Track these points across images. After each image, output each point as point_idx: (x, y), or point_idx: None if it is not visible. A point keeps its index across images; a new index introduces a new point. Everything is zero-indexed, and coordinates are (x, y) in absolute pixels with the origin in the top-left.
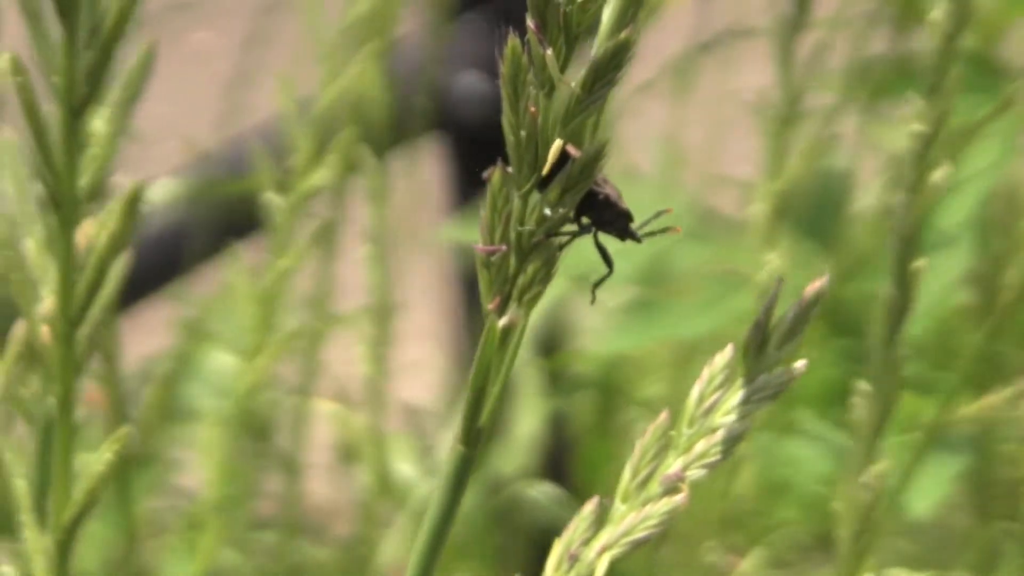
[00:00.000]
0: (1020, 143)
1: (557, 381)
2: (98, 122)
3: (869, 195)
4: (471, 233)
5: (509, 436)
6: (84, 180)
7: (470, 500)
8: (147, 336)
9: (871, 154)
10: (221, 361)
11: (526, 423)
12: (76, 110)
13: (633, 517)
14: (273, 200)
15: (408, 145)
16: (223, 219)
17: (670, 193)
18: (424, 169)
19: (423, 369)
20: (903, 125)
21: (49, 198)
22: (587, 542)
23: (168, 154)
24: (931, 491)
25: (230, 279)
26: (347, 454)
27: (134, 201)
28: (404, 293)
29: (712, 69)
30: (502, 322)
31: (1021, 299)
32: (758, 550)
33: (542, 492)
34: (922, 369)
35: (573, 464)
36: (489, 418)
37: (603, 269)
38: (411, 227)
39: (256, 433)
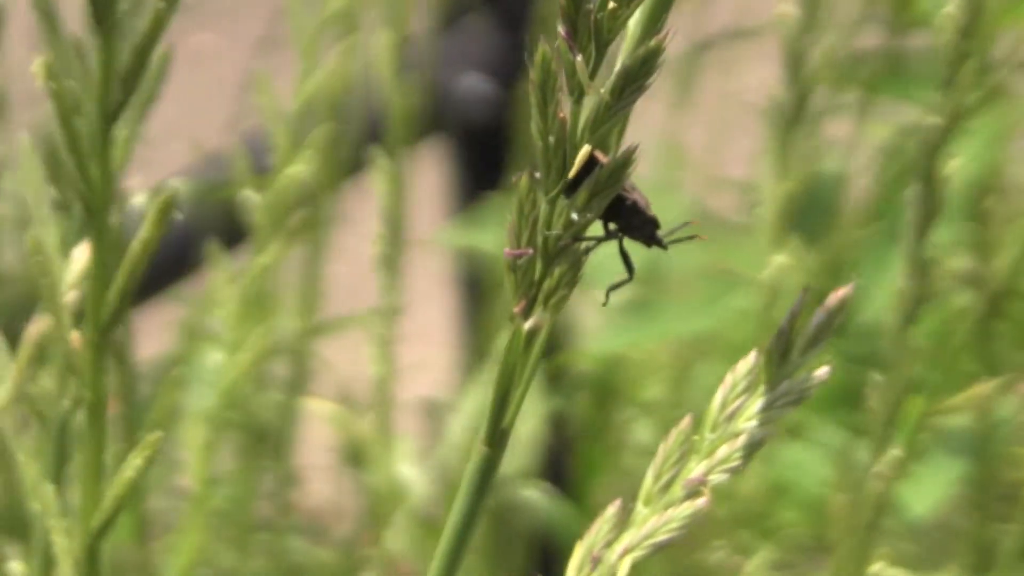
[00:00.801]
0: (1017, 144)
1: (557, 381)
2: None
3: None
4: (473, 234)
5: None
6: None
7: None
8: (149, 337)
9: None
10: (217, 360)
11: (526, 423)
12: (110, 116)
13: (655, 520)
14: (251, 198)
15: (411, 146)
16: (227, 220)
17: (669, 194)
18: (425, 170)
19: (424, 370)
20: (895, 124)
21: (83, 205)
22: (609, 544)
23: (172, 155)
24: (931, 492)
25: (214, 277)
26: (351, 455)
27: (167, 208)
28: (406, 293)
29: (712, 70)
30: (527, 325)
31: (1021, 299)
32: (764, 551)
33: (539, 491)
34: (922, 369)
35: (572, 464)
36: (512, 420)
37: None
38: (413, 228)
39: (253, 433)
